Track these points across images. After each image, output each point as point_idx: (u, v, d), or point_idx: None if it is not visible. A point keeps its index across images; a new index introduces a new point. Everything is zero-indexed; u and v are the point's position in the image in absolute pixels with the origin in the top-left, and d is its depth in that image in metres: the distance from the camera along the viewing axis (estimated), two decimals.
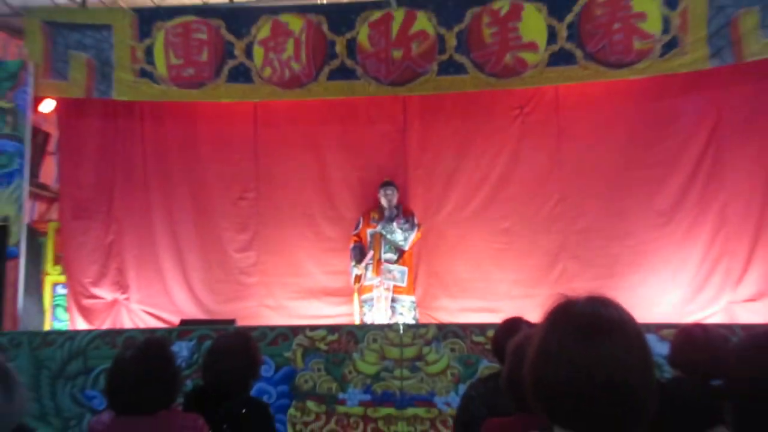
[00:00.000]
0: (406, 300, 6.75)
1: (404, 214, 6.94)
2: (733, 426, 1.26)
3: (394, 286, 6.72)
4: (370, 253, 6.80)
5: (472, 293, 7.12)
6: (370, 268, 6.84)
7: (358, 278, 6.91)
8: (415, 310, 6.81)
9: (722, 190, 6.76)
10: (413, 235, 6.87)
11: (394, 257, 6.82)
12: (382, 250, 6.83)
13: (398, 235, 6.78)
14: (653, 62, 6.23)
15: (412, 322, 6.57)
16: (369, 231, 6.93)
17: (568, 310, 1.27)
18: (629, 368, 1.19)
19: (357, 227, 7.06)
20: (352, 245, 7.01)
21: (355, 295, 6.94)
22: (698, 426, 2.17)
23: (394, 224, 6.78)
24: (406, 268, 6.84)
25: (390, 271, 6.73)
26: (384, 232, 6.81)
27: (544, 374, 1.25)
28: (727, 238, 6.72)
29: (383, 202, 6.93)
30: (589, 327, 1.23)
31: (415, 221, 6.95)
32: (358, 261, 6.87)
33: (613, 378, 1.18)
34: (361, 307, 6.85)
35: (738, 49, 6.07)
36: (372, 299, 6.73)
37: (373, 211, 7.04)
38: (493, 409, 2.64)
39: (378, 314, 6.61)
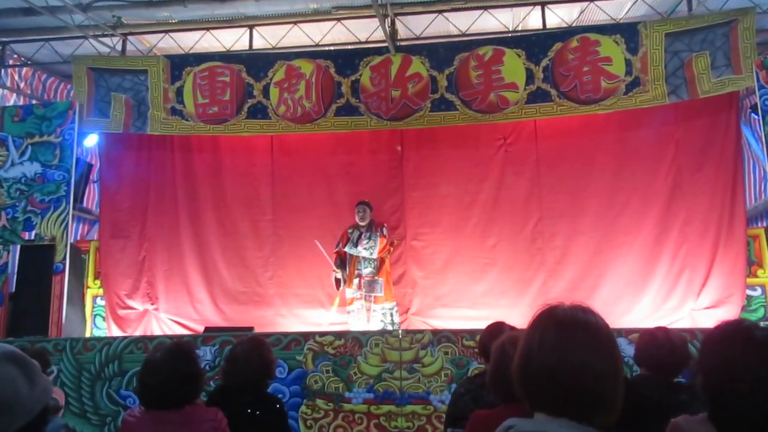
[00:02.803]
0: (386, 306, 6.61)
1: (375, 228, 6.74)
2: (707, 409, 1.28)
3: (375, 297, 6.58)
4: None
5: (463, 303, 7.07)
6: (355, 282, 6.65)
7: (338, 282, 6.75)
8: (395, 314, 6.65)
9: (682, 210, 6.75)
10: (377, 243, 6.65)
11: (374, 271, 6.65)
12: (362, 266, 6.67)
13: (364, 253, 6.61)
14: (619, 99, 6.28)
15: (394, 325, 6.50)
16: (346, 249, 6.78)
17: (551, 313, 1.32)
18: (599, 359, 1.23)
19: (338, 246, 6.86)
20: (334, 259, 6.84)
21: (336, 302, 6.77)
22: (660, 417, 2.15)
23: (359, 247, 6.62)
24: (382, 279, 6.67)
25: (370, 284, 6.60)
26: (352, 253, 6.68)
27: (528, 364, 1.28)
28: (688, 253, 6.69)
29: (357, 218, 6.75)
30: (567, 325, 1.27)
31: (383, 231, 6.74)
32: (338, 267, 6.75)
33: (584, 366, 1.21)
34: (348, 315, 6.71)
35: (693, 87, 6.13)
36: (355, 310, 6.60)
37: (354, 227, 6.81)
38: (480, 403, 2.63)
39: (358, 323, 6.48)
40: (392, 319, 6.61)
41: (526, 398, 1.30)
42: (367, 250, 6.63)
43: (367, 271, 6.66)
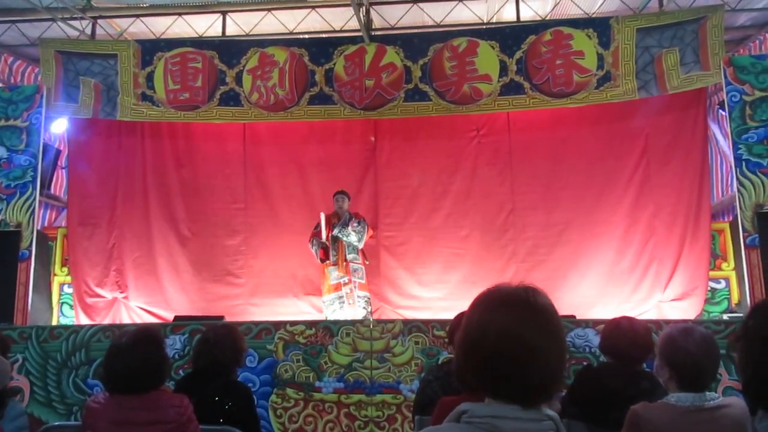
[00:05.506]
0: (366, 296, 6.65)
1: (356, 217, 6.71)
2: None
3: (359, 283, 6.60)
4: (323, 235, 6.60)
5: (435, 293, 7.11)
6: (335, 269, 6.59)
7: (322, 253, 6.62)
8: (369, 305, 6.66)
9: (651, 203, 6.87)
10: (365, 235, 6.67)
11: (358, 257, 6.67)
12: (346, 252, 6.62)
13: (353, 237, 6.56)
14: (590, 93, 6.35)
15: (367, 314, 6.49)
16: (332, 234, 6.63)
17: (493, 291, 1.27)
18: (543, 336, 1.18)
19: (317, 227, 6.68)
20: (311, 238, 6.71)
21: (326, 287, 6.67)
22: (623, 403, 2.21)
23: (349, 228, 6.57)
24: (364, 267, 6.70)
25: (355, 270, 6.63)
26: (340, 235, 6.59)
27: (470, 344, 1.23)
28: (656, 245, 6.81)
29: (336, 207, 6.68)
30: (511, 303, 1.22)
31: (366, 222, 6.73)
32: (316, 242, 6.63)
33: (527, 344, 1.17)
34: (331, 304, 6.57)
35: (662, 83, 6.22)
36: (342, 297, 6.52)
37: (332, 216, 6.72)
38: (448, 391, 2.65)
39: (351, 310, 6.45)
40: (369, 309, 6.64)
41: (474, 381, 1.23)
42: (357, 234, 6.58)
43: (351, 257, 6.63)
